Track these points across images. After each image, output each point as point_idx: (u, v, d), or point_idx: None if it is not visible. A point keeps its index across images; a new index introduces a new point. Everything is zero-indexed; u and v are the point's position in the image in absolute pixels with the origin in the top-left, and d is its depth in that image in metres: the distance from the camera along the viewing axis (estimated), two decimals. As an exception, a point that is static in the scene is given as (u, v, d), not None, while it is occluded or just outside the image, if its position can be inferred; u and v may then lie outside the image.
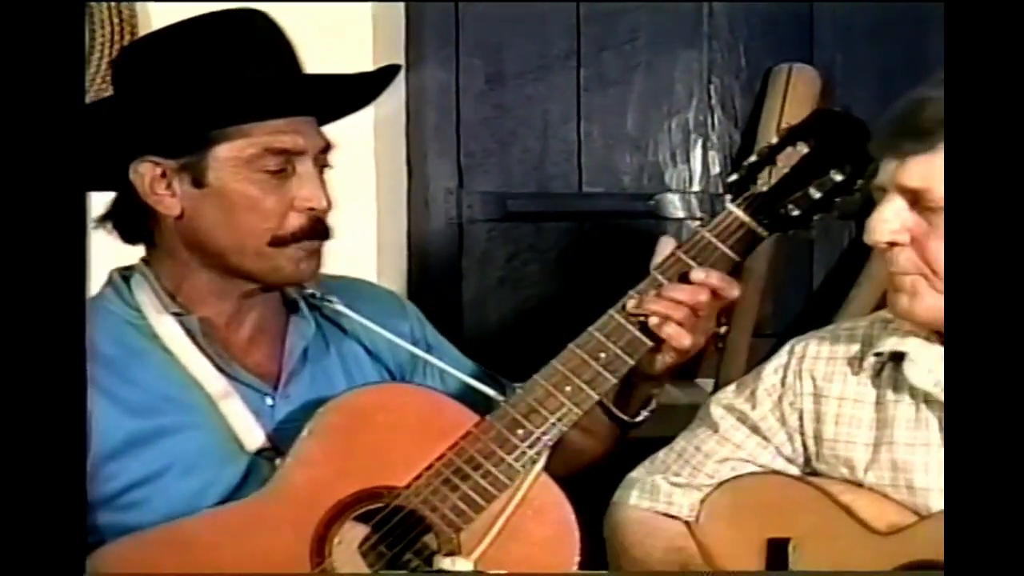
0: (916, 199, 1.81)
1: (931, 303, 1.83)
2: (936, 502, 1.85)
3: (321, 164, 2.00)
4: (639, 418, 2.06)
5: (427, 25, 2.93)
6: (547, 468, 1.93)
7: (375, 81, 2.10)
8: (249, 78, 1.95)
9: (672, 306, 1.91)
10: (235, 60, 1.97)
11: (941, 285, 1.81)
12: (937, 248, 1.80)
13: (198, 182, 1.96)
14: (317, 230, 1.98)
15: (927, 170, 1.79)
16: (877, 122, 1.88)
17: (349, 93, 2.07)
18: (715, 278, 1.91)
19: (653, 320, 1.91)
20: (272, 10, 2.00)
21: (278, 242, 1.96)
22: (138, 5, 2.71)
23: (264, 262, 1.98)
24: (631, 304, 1.92)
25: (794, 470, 2.01)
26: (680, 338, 1.92)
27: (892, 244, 1.83)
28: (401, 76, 2.78)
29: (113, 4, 2.69)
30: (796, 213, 1.93)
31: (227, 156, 1.96)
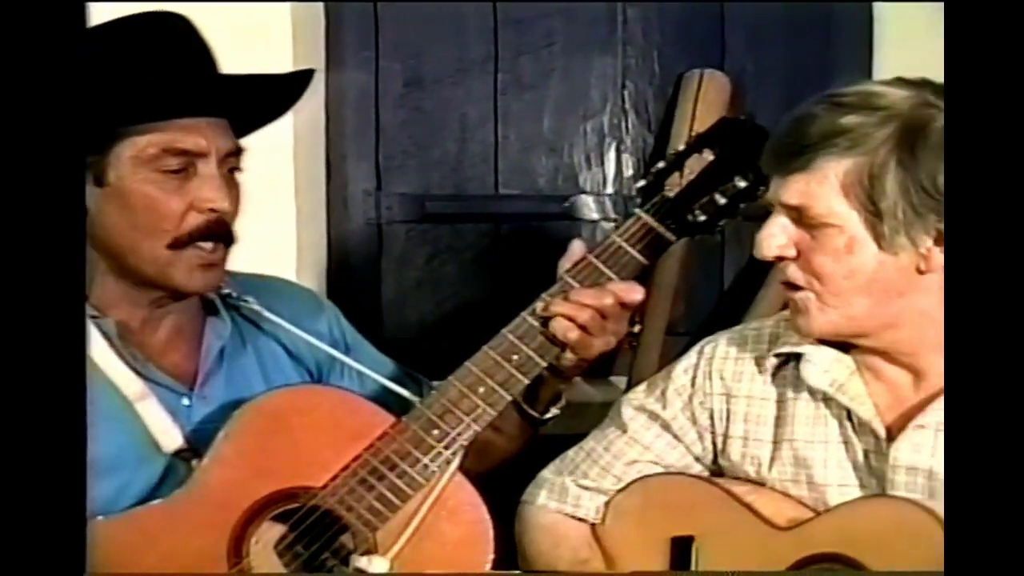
0: (799, 215, 1.82)
1: (822, 320, 1.85)
2: (834, 497, 1.88)
3: (230, 167, 1.99)
4: (548, 415, 2.08)
5: (346, 27, 2.92)
6: (461, 467, 1.93)
7: (285, 83, 2.08)
8: (152, 77, 1.94)
9: (578, 309, 1.93)
10: (142, 60, 1.95)
11: (830, 299, 1.83)
12: (821, 262, 1.82)
13: (99, 180, 1.95)
14: (217, 232, 1.96)
15: (805, 188, 1.80)
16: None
17: (259, 95, 2.05)
18: (619, 285, 1.93)
19: (561, 323, 1.92)
20: (192, 11, 1.98)
21: (176, 244, 1.94)
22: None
23: (158, 267, 1.96)
24: (540, 307, 1.94)
25: (702, 468, 2.02)
26: (585, 340, 1.94)
27: (780, 258, 1.85)
28: (320, 79, 2.79)
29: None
30: (703, 218, 1.96)
31: (128, 155, 1.94)
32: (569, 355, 1.97)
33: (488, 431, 1.99)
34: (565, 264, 1.98)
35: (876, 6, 3.04)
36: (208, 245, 1.96)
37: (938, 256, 1.80)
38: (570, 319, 1.92)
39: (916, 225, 1.79)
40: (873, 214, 1.79)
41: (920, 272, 1.81)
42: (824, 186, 1.79)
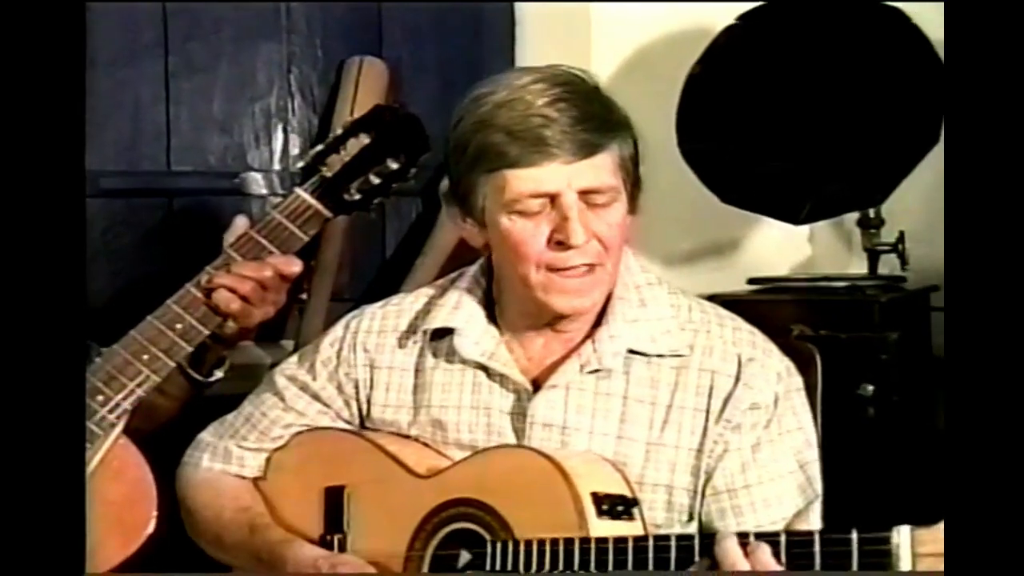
0: (586, 199, 1.82)
1: (598, 294, 1.87)
2: (462, 453, 1.92)
3: None
4: (212, 378, 2.08)
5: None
6: (126, 429, 1.92)
7: None
8: None
9: (240, 281, 1.94)
10: None
11: (612, 269, 1.86)
12: (610, 236, 1.83)
13: None
14: None
15: (594, 172, 1.82)
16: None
17: None
18: (279, 258, 1.95)
19: (223, 294, 1.94)
20: None
21: None
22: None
23: None
24: (204, 279, 1.95)
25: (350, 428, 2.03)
26: (245, 310, 1.96)
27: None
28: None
29: None
30: (358, 196, 1.98)
31: None
32: (231, 324, 1.98)
33: (154, 394, 1.98)
34: (229, 238, 1.99)
35: (517, 7, 3.13)
36: None
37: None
38: (232, 290, 1.93)
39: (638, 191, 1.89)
40: (634, 185, 1.87)
41: None
42: (607, 167, 1.83)
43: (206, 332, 1.96)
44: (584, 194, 1.83)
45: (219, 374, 2.09)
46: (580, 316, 1.90)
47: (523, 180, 1.82)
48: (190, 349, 1.96)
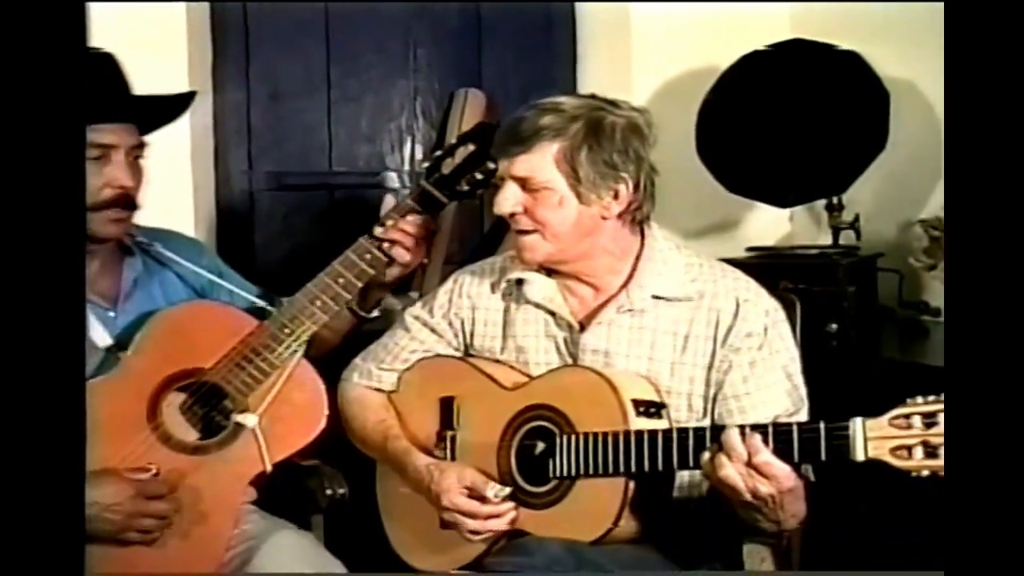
0: (523, 184, 1.81)
1: (542, 253, 1.84)
2: (538, 372, 1.89)
3: (134, 156, 1.94)
4: (372, 315, 2.07)
5: (227, 58, 2.88)
6: (305, 353, 1.94)
7: (174, 102, 2.04)
8: (88, 97, 1.86)
9: (401, 234, 1.95)
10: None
11: (549, 238, 1.82)
12: (543, 214, 1.81)
13: None
14: (123, 202, 1.93)
15: (528, 164, 1.80)
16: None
17: (156, 109, 2.00)
18: (423, 218, 1.96)
19: (395, 248, 1.94)
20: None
21: (93, 208, 1.89)
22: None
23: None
24: (378, 231, 1.95)
25: (458, 354, 2.01)
26: (404, 255, 1.96)
27: (512, 215, 1.83)
28: (209, 94, 2.75)
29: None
30: (466, 188, 1.96)
31: None
32: (393, 270, 1.98)
33: (325, 329, 1.98)
34: (385, 209, 1.99)
35: (580, 52, 3.11)
36: (116, 210, 1.92)
37: (615, 207, 1.81)
38: (397, 241, 1.94)
39: (601, 186, 1.79)
40: (575, 179, 1.79)
41: (603, 219, 1.82)
42: (542, 162, 1.79)
43: (372, 273, 1.95)
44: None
45: (376, 312, 2.08)
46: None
47: None
48: (359, 285, 1.95)
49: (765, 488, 1.62)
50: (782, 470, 1.62)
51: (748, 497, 1.63)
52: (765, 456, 1.62)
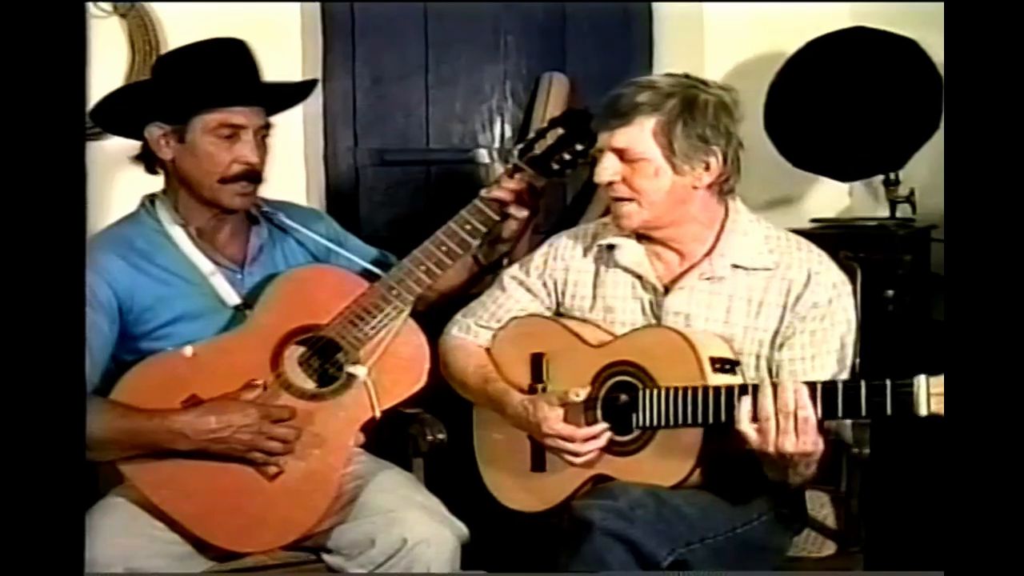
0: (622, 155, 1.80)
1: (638, 219, 1.83)
2: (623, 331, 1.88)
3: (262, 136, 1.96)
4: (492, 263, 2.07)
5: (334, 48, 2.89)
6: (411, 311, 1.93)
7: (298, 88, 2.07)
8: (218, 81, 1.92)
9: (511, 193, 1.97)
10: (212, 69, 1.92)
11: (645, 205, 1.81)
12: (640, 183, 1.80)
13: (181, 140, 1.93)
14: (250, 176, 1.94)
15: (626, 137, 1.79)
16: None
17: (283, 94, 2.03)
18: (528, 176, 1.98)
19: (512, 206, 1.96)
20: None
21: (223, 181, 1.93)
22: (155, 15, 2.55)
23: (215, 194, 1.94)
24: (492, 191, 1.97)
25: (551, 313, 1.99)
26: (519, 211, 1.98)
27: (611, 183, 1.82)
28: (320, 79, 2.75)
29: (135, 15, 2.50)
30: (557, 167, 1.97)
31: (199, 125, 1.92)
32: (511, 224, 1.99)
33: (452, 271, 1.99)
34: (496, 178, 2.02)
35: (657, 30, 3.06)
36: (244, 183, 1.95)
37: (705, 178, 1.80)
38: (507, 202, 1.95)
39: (694, 159, 1.78)
40: (670, 151, 1.78)
41: (695, 188, 1.81)
42: (640, 135, 1.78)
43: (484, 230, 1.96)
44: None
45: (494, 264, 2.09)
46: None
47: None
48: (474, 243, 1.96)
49: (791, 446, 1.61)
50: (814, 431, 1.61)
51: (771, 449, 1.62)
52: (807, 413, 1.61)
